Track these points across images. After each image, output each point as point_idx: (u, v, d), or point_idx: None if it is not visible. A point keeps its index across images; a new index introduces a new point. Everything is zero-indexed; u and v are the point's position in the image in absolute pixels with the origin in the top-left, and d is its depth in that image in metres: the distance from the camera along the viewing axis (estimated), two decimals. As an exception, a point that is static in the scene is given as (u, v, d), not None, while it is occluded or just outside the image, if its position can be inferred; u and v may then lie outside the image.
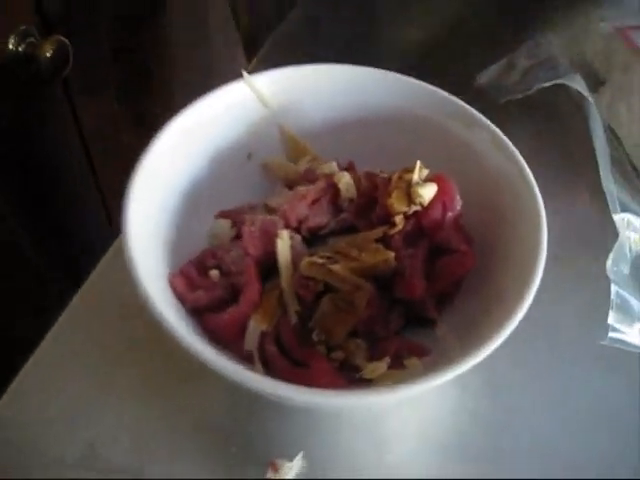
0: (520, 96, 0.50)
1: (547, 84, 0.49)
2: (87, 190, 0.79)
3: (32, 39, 0.61)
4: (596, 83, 0.52)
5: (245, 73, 0.37)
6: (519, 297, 0.30)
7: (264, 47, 0.59)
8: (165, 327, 0.28)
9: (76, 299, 0.39)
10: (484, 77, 0.52)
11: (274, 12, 0.75)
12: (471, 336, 0.32)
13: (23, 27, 0.60)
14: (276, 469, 0.34)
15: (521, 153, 0.36)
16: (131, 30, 0.78)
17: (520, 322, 0.30)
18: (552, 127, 0.50)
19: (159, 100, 0.89)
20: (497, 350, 0.30)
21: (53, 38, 0.61)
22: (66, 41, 0.62)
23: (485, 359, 0.30)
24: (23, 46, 0.60)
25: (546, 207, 0.34)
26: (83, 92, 0.72)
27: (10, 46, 0.59)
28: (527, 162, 0.35)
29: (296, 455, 0.34)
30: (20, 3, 0.60)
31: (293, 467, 0.34)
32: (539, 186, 0.35)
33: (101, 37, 0.73)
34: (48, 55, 0.60)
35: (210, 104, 0.37)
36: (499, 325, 0.30)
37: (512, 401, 0.37)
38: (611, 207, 0.41)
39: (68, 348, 0.37)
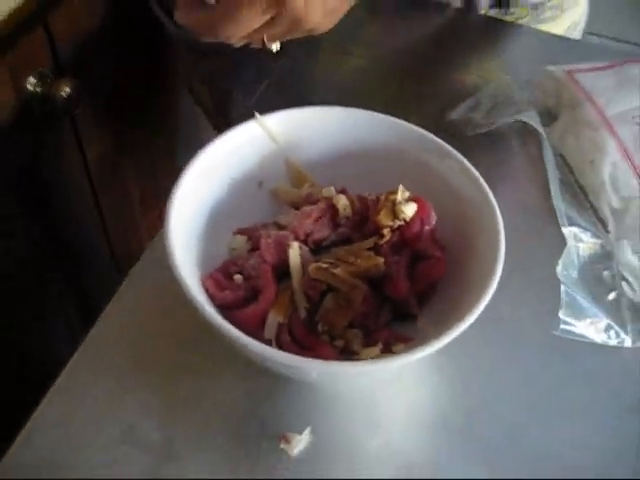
0: (485, 130, 0.58)
1: (508, 120, 0.58)
2: (91, 212, 0.86)
3: (48, 80, 0.68)
4: (549, 118, 0.60)
5: (257, 114, 0.45)
6: (481, 292, 0.38)
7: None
8: (205, 316, 0.35)
9: (117, 294, 0.46)
10: (454, 114, 0.61)
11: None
12: (444, 325, 0.39)
13: (40, 69, 0.68)
14: (288, 441, 0.41)
15: (485, 177, 0.44)
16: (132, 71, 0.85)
17: (486, 318, 0.37)
18: (512, 156, 0.58)
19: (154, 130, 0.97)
20: (467, 341, 0.37)
21: (66, 79, 0.68)
22: (78, 82, 0.70)
23: (458, 349, 0.38)
24: (40, 86, 0.68)
25: (506, 223, 0.41)
26: (89, 124, 0.79)
27: (28, 86, 0.67)
28: (490, 184, 0.43)
29: (304, 430, 0.41)
30: (37, 47, 0.67)
31: (302, 439, 0.41)
32: (500, 205, 0.42)
33: (107, 75, 0.81)
34: (62, 94, 0.68)
35: (228, 140, 0.45)
36: (465, 314, 0.37)
37: (482, 385, 0.44)
38: (560, 221, 0.50)
39: (113, 333, 0.44)
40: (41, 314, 0.82)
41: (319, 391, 0.43)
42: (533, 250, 0.50)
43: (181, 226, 0.40)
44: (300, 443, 0.41)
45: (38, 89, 0.67)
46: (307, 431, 0.41)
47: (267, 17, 0.42)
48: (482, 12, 0.71)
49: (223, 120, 0.75)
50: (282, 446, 0.41)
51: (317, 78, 0.68)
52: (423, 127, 0.54)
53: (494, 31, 0.68)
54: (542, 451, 0.41)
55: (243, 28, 0.43)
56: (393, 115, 0.47)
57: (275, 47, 0.47)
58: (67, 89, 0.67)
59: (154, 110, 0.94)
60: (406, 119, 0.47)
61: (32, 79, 0.66)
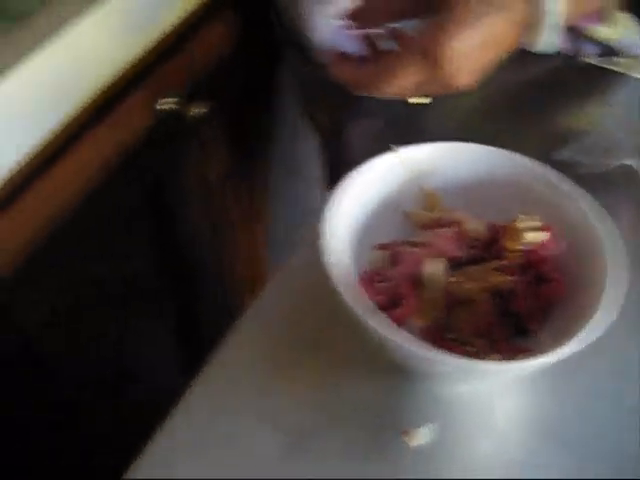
0: (589, 171, 0.63)
1: (614, 162, 0.62)
2: (208, 233, 0.93)
3: (180, 101, 0.76)
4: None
5: (395, 147, 0.52)
6: (603, 314, 0.43)
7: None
8: (360, 316, 0.42)
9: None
10: (559, 155, 0.65)
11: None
12: (562, 341, 0.44)
13: (175, 92, 0.75)
14: (409, 435, 0.46)
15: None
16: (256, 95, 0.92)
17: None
18: (616, 201, 0.59)
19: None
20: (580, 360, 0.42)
21: (199, 101, 0.76)
22: (209, 104, 0.77)
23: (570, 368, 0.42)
24: (173, 107, 0.75)
25: None
26: (213, 145, 0.87)
27: (164, 106, 0.74)
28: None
29: (425, 425, 0.46)
30: (174, 71, 0.75)
31: (422, 434, 0.46)
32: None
33: (233, 99, 0.88)
34: (193, 115, 0.75)
35: (368, 170, 0.51)
36: (581, 336, 0.42)
37: (588, 405, 0.48)
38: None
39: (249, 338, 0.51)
40: (153, 338, 0.89)
41: (442, 392, 0.48)
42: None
43: (334, 239, 0.47)
44: (420, 437, 0.46)
45: (171, 109, 0.75)
46: (428, 427, 0.46)
47: (420, 78, 0.48)
48: (589, 60, 0.75)
49: (340, 150, 0.82)
50: (404, 439, 0.46)
51: (429, 114, 0.74)
52: None
53: (601, 79, 0.73)
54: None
55: (397, 87, 0.49)
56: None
57: (428, 100, 0.53)
58: (197, 111, 0.75)
59: (269, 135, 1.01)
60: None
61: (167, 99, 0.73)
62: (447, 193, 0.52)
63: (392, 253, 0.49)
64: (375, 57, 0.51)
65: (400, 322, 0.45)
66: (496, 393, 0.49)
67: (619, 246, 0.46)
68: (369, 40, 0.52)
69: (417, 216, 0.52)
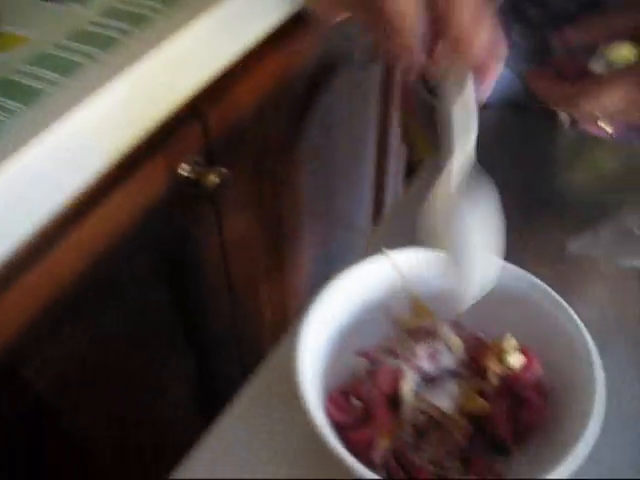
0: (605, 268, 0.61)
1: (627, 263, 0.60)
2: (222, 291, 0.94)
3: (199, 167, 0.77)
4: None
5: (385, 250, 0.51)
6: (576, 441, 0.42)
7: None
8: (323, 440, 0.41)
9: (240, 402, 0.52)
10: (574, 246, 0.64)
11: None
12: (538, 466, 0.43)
13: (194, 157, 0.76)
14: None
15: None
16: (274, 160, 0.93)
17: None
18: (630, 299, 0.59)
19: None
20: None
21: (217, 169, 0.77)
22: (226, 172, 0.78)
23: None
24: (192, 172, 0.76)
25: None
26: (230, 209, 0.88)
27: (182, 172, 0.76)
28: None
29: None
30: (192, 137, 0.76)
31: None
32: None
33: (249, 166, 0.89)
34: (211, 182, 0.76)
35: (358, 272, 0.51)
36: (558, 461, 0.41)
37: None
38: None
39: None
40: (164, 386, 0.90)
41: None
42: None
43: (311, 344, 0.47)
44: None
45: (190, 175, 0.76)
46: None
47: (628, 97, 0.48)
48: None
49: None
50: None
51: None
52: (546, 257, 0.59)
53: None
54: None
55: (604, 106, 0.49)
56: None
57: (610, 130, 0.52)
58: (215, 179, 0.75)
59: (285, 194, 1.02)
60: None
61: (185, 165, 0.74)
62: (437, 301, 0.51)
63: (371, 361, 0.49)
64: (579, 75, 0.52)
65: (367, 443, 0.44)
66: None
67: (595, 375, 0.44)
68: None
69: (404, 322, 0.52)
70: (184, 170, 0.75)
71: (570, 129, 0.72)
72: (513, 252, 0.50)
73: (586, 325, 0.47)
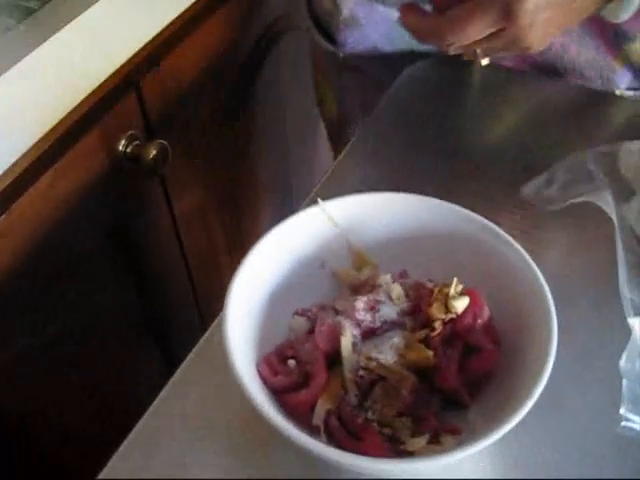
0: (558, 208, 0.58)
1: (580, 199, 0.57)
2: (178, 266, 0.91)
3: (138, 142, 0.73)
4: (628, 193, 0.59)
5: (320, 200, 0.48)
6: (532, 386, 0.38)
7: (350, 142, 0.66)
8: (254, 404, 0.37)
9: (175, 378, 0.48)
10: (527, 189, 0.61)
11: (359, 107, 0.84)
12: (495, 417, 0.39)
13: (131, 132, 0.73)
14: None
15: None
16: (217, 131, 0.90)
17: (541, 411, 0.38)
18: (584, 237, 0.57)
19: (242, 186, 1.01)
20: (522, 434, 0.37)
21: (155, 142, 0.73)
22: (166, 144, 0.74)
23: (511, 442, 0.38)
24: (130, 148, 0.73)
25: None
26: (177, 185, 0.84)
27: (120, 147, 0.72)
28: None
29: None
30: (129, 111, 0.73)
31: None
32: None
33: (193, 137, 0.86)
34: (151, 156, 0.72)
35: (292, 224, 0.47)
36: (515, 409, 0.38)
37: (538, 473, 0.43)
38: (625, 311, 0.48)
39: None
40: (127, 361, 0.87)
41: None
42: (597, 341, 0.49)
43: (242, 308, 0.43)
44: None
45: (128, 150, 0.72)
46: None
47: (491, 30, 0.46)
48: (618, 93, 0.70)
49: (342, 136, 0.78)
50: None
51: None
52: (497, 202, 0.57)
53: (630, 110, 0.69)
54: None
55: (467, 38, 0.47)
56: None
57: (485, 61, 0.50)
58: (154, 151, 0.72)
59: (240, 166, 0.99)
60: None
61: (123, 141, 0.71)
62: (378, 249, 0.48)
63: (310, 320, 0.45)
64: (445, 7, 0.48)
65: (307, 405, 0.41)
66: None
67: (550, 311, 0.41)
68: None
69: (345, 276, 0.48)
70: (122, 146, 0.72)
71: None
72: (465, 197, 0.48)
73: (547, 273, 0.44)
